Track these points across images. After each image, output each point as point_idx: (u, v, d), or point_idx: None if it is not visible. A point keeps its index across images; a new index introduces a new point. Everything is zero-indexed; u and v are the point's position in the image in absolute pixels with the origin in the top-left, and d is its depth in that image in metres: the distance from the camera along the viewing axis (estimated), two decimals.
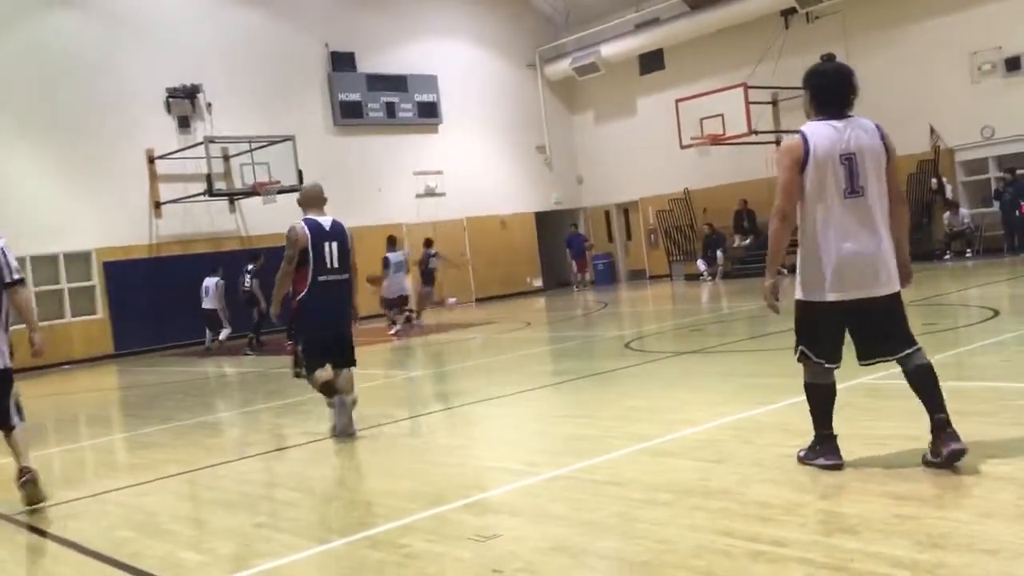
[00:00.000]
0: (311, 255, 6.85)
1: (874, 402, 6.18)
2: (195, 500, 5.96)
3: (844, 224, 4.36)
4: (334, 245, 6.95)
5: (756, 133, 19.92)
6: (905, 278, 4.55)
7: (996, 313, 9.92)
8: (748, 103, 19.54)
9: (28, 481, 5.69)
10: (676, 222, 24.18)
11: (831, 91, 4.49)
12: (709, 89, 20.68)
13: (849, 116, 4.46)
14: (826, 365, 4.54)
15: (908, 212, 4.88)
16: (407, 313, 17.10)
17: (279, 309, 7.19)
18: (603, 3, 24.94)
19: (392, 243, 17.22)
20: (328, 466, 6.43)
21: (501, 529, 4.24)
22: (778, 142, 21.83)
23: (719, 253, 22.08)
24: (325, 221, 7.00)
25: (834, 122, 4.42)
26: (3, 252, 5.72)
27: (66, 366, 17.57)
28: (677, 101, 20.90)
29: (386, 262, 16.48)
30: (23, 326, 5.91)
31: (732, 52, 22.30)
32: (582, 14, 25.70)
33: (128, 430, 9.44)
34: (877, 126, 4.47)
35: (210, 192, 18.53)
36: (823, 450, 4.57)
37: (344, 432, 7.01)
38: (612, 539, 3.95)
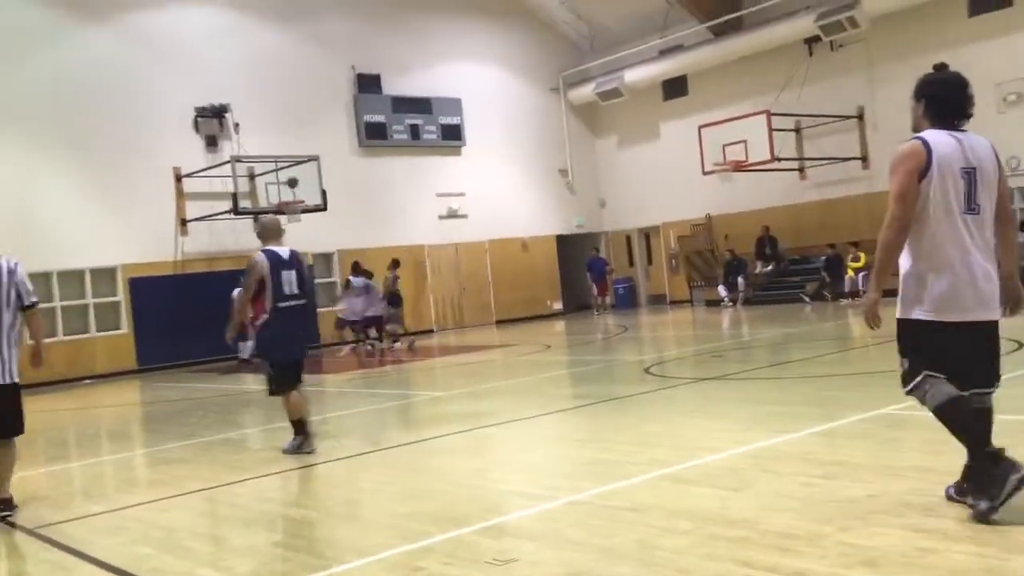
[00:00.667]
0: (270, 283, 7.50)
1: (896, 432, 6.14)
2: (214, 517, 5.99)
3: (962, 241, 4.08)
4: (292, 273, 7.62)
5: (779, 160, 19.91)
6: (1015, 303, 4.27)
7: (1020, 345, 9.82)
8: (771, 130, 19.54)
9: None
10: (697, 247, 24.14)
11: (951, 101, 4.21)
12: (732, 115, 20.70)
13: (964, 130, 4.23)
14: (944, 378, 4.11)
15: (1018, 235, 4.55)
16: (393, 337, 17.46)
17: (234, 333, 8.49)
18: (627, 29, 25.08)
19: (355, 268, 18.01)
20: (347, 486, 6.45)
21: (519, 553, 4.23)
22: (801, 169, 21.83)
23: (740, 279, 22.02)
24: (283, 251, 7.69)
25: (954, 133, 4.18)
26: (22, 278, 6.15)
27: (87, 381, 17.72)
28: (700, 127, 20.93)
29: (347, 284, 17.78)
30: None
31: (756, 79, 22.33)
32: (606, 40, 25.84)
33: (149, 446, 9.51)
34: (991, 144, 4.25)
35: (236, 210, 18.72)
36: (990, 479, 3.96)
37: (302, 450, 7.40)
38: (629, 566, 3.94)
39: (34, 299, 6.22)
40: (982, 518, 3.94)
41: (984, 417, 4.19)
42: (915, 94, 4.31)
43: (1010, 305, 4.27)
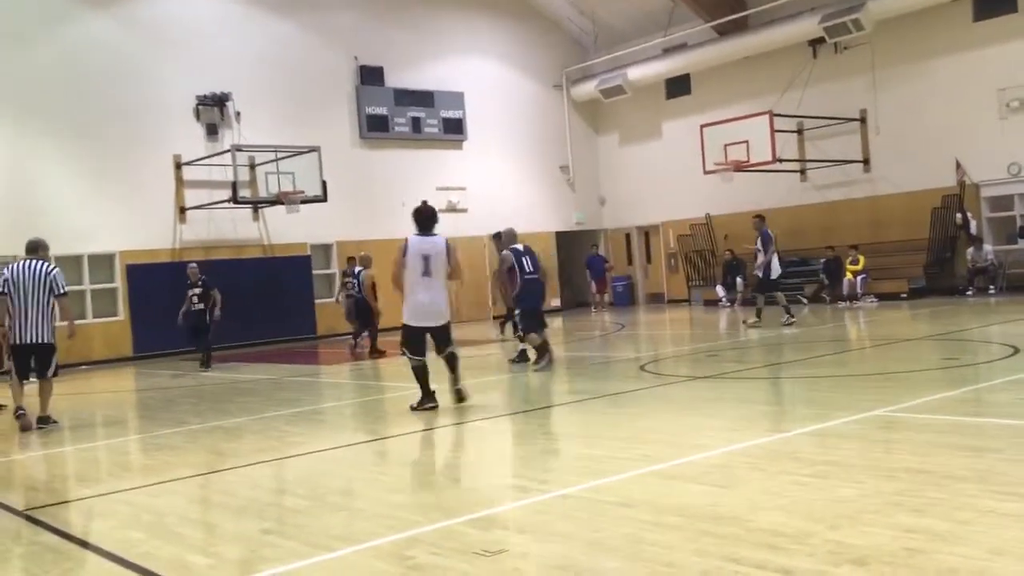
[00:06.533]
0: (516, 267, 11.57)
1: (887, 434, 6.15)
2: (205, 504, 5.99)
3: None
4: (527, 259, 11.56)
5: (780, 161, 19.90)
6: None
7: (1016, 351, 9.83)
8: (773, 131, 19.53)
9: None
10: (697, 247, 24.13)
11: None
12: (734, 115, 20.69)
13: None
14: None
15: None
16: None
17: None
18: (631, 27, 25.06)
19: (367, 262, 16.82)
20: (338, 475, 6.45)
21: (507, 545, 4.24)
22: (802, 171, 21.83)
23: (739, 280, 22.01)
24: (519, 247, 11.68)
25: None
26: (55, 275, 9.39)
27: (84, 367, 17.71)
28: (702, 126, 20.92)
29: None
30: None
31: (759, 80, 22.32)
32: (610, 37, 25.82)
33: (143, 432, 9.51)
34: None
35: (235, 199, 18.70)
36: None
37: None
38: (618, 560, 3.94)
39: (64, 290, 9.38)
40: None
41: None
42: None
43: None
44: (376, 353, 15.44)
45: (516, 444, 7.33)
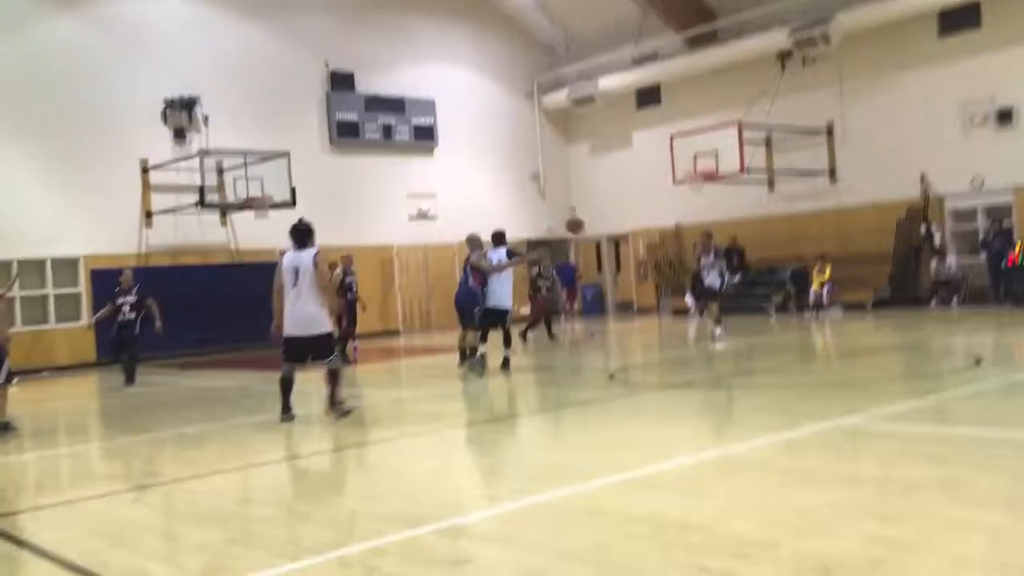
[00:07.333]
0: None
1: (854, 443, 6.19)
2: (168, 512, 5.90)
3: None
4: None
5: (749, 172, 20.06)
6: None
7: (979, 361, 9.97)
8: (742, 142, 19.68)
9: None
10: (666, 256, 24.25)
11: None
12: (704, 126, 20.82)
13: None
14: None
15: None
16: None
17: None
18: (602, 37, 25.17)
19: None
20: (305, 484, 6.38)
21: (474, 555, 4.21)
22: (770, 182, 22.02)
23: None
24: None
25: None
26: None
27: (45, 373, 17.41)
28: (672, 136, 21.04)
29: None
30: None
31: (728, 91, 22.50)
32: (581, 46, 25.92)
33: (106, 439, 9.36)
34: None
35: (202, 203, 18.50)
36: None
37: None
38: (586, 570, 3.92)
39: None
40: None
41: None
42: None
43: None
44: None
45: (484, 453, 7.29)
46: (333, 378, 8.74)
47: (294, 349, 8.75)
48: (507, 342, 12.19)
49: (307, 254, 8.71)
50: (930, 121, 19.61)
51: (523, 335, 16.04)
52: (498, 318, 12.15)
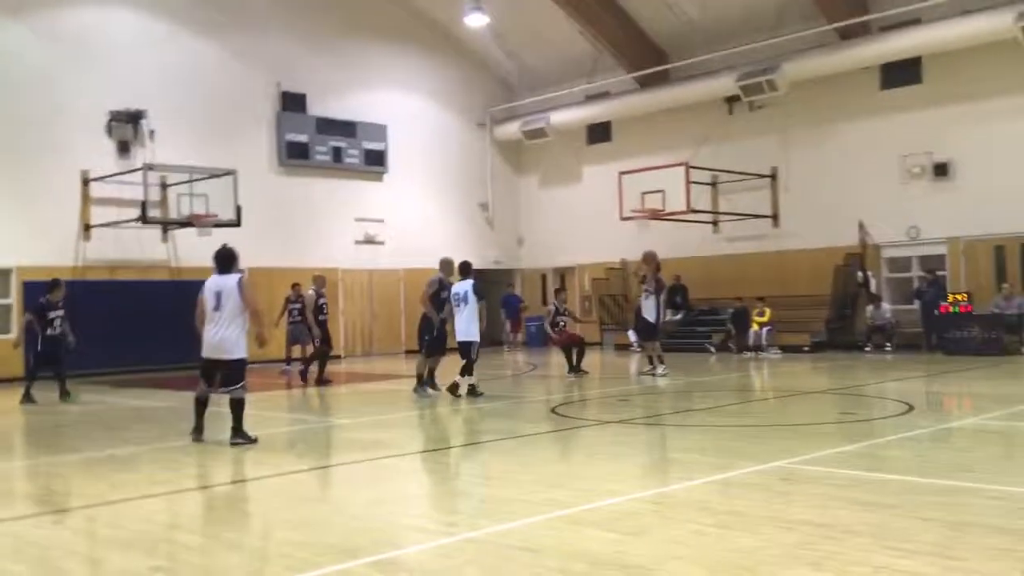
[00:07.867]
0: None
1: (789, 485, 6.27)
2: (93, 537, 5.71)
3: None
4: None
5: (694, 212, 20.39)
6: None
7: (911, 408, 10.20)
8: (689, 182, 20.03)
9: None
10: (611, 291, 24.45)
11: None
12: (652, 165, 21.15)
13: None
14: None
15: None
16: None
17: None
18: (556, 72, 25.48)
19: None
20: (237, 512, 6.24)
21: None
22: (715, 223, 22.41)
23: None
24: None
25: None
26: None
27: None
28: (621, 173, 21.31)
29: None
30: None
31: (677, 132, 22.92)
32: (535, 80, 26.20)
33: (29, 458, 9.06)
34: None
35: (144, 219, 18.16)
36: None
37: None
38: None
39: None
40: None
41: None
42: None
43: None
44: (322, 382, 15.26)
45: (423, 484, 7.22)
46: (237, 407, 8.65)
47: (209, 370, 8.87)
48: (465, 371, 12.53)
49: (231, 279, 8.75)
50: (869, 171, 20.19)
51: (574, 370, 15.60)
52: (464, 349, 12.72)
